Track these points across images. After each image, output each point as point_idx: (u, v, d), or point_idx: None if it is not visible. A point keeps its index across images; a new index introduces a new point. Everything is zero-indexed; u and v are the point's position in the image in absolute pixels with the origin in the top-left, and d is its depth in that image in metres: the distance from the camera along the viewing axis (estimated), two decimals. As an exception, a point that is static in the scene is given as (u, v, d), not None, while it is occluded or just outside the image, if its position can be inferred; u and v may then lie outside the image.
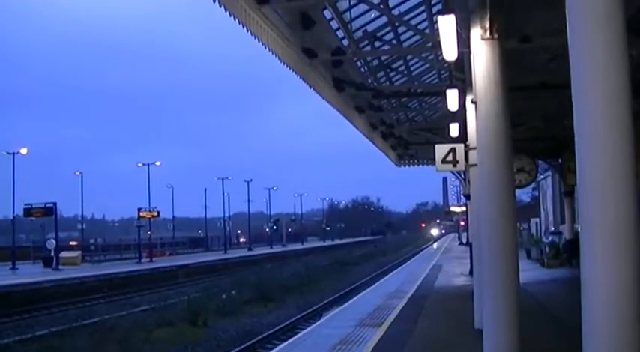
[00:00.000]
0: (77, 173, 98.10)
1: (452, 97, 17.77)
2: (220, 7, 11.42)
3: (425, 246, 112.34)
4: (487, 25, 10.68)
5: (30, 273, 52.37)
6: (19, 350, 22.77)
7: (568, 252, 37.66)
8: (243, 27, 12.54)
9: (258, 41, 13.47)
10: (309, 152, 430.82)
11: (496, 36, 10.66)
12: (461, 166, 18.67)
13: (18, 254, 64.49)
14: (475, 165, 14.59)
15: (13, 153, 68.11)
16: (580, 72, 5.34)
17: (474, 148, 15.37)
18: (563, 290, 27.65)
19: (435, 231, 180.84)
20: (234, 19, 12.17)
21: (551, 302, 23.75)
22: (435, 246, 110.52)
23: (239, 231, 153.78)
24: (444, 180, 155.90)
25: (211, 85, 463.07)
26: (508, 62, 10.89)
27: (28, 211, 63.84)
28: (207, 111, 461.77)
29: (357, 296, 30.89)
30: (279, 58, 15.00)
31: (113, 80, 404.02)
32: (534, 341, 13.02)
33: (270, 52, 14.31)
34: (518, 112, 18.95)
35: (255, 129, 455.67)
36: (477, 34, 10.82)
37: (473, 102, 11.36)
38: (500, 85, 10.54)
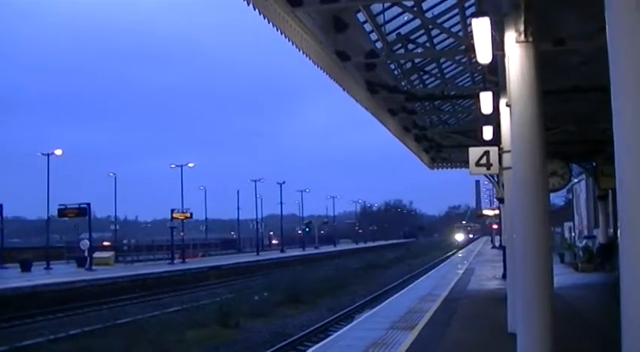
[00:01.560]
0: (110, 174, 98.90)
1: (485, 100, 17.69)
2: (254, 10, 11.44)
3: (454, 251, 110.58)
4: (521, 28, 10.64)
5: (63, 273, 52.72)
6: (53, 349, 22.88)
7: (602, 257, 37.42)
8: (277, 30, 12.55)
9: (292, 44, 13.48)
10: (341, 154, 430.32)
11: (530, 39, 10.61)
12: (494, 169, 18.59)
13: (52, 254, 64.89)
14: (509, 168, 14.52)
15: (48, 155, 68.55)
16: (619, 73, 5.29)
17: (508, 151, 15.28)
18: (598, 295, 27.49)
19: (460, 236, 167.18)
20: (269, 22, 12.18)
21: (585, 307, 23.62)
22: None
23: (271, 233, 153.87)
24: (477, 183, 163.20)
25: (242, 87, 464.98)
26: (542, 65, 10.83)
27: (62, 212, 64.18)
28: (239, 113, 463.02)
29: (389, 299, 30.83)
30: (312, 61, 15.00)
31: (143, 83, 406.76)
32: (569, 346, 12.94)
33: (304, 55, 14.31)
34: (551, 115, 18.87)
35: (287, 132, 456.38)
36: (511, 36, 10.78)
37: (507, 105, 11.31)
38: (534, 88, 10.49)
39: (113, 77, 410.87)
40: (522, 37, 10.60)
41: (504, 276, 30.58)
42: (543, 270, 10.37)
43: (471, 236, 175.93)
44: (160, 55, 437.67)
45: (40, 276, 48.78)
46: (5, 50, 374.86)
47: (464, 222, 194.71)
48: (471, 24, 12.78)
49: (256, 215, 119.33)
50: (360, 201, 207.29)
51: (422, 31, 18.63)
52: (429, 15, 17.52)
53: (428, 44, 19.48)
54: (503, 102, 17.40)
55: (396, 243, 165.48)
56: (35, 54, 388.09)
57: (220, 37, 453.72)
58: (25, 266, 56.17)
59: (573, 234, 55.16)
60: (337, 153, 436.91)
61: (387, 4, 16.05)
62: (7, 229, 78.62)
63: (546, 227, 10.70)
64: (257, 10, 11.55)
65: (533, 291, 10.29)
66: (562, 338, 10.60)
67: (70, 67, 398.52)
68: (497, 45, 11.80)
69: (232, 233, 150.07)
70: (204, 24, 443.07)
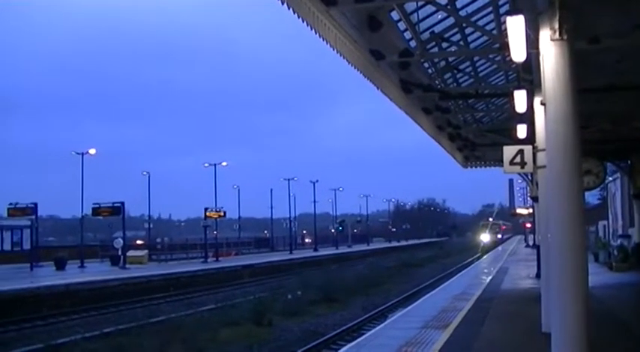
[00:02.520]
0: (144, 173, 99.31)
1: (520, 99, 17.61)
2: (289, 9, 11.46)
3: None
4: (556, 26, 10.57)
5: (98, 271, 53.06)
6: (87, 347, 23.04)
7: (637, 256, 37.19)
8: (311, 29, 12.54)
9: (327, 43, 13.47)
10: (374, 153, 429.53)
11: (565, 37, 10.54)
12: (528, 168, 18.55)
13: (86, 252, 65.24)
14: (543, 166, 14.46)
15: (82, 154, 69.01)
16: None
17: (543, 150, 15.23)
18: (633, 295, 27.34)
19: (486, 237, 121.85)
20: (303, 22, 12.19)
21: (620, 307, 23.49)
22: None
23: (304, 232, 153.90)
24: (510, 181, 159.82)
25: (274, 85, 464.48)
26: (577, 63, 10.78)
27: (96, 211, 64.51)
28: (272, 112, 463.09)
29: (422, 298, 30.78)
30: (347, 60, 14.99)
31: (177, 82, 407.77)
32: (603, 346, 12.86)
33: (339, 54, 14.31)
34: (585, 114, 18.78)
35: (319, 130, 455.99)
36: (545, 35, 10.71)
37: (542, 103, 11.26)
38: (569, 87, 10.43)
39: (146, 77, 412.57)
40: (557, 35, 10.53)
41: (538, 275, 30.44)
42: (578, 269, 10.32)
43: (499, 236, 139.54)
44: (194, 54, 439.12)
45: (74, 275, 49.08)
46: (37, 51, 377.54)
47: (490, 220, 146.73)
48: (505, 22, 12.73)
49: (289, 214, 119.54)
50: (393, 200, 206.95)
51: (456, 30, 18.59)
52: (462, 13, 17.47)
53: (462, 42, 19.44)
54: (537, 100, 17.34)
55: (429, 241, 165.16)
56: (67, 55, 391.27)
57: (252, 35, 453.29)
58: (60, 265, 56.53)
59: (608, 233, 54.80)
60: (371, 151, 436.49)
61: (420, 3, 16.02)
62: (42, 228, 79.42)
63: (581, 226, 10.64)
64: (291, 9, 11.56)
65: (568, 290, 10.24)
66: (596, 338, 10.54)
67: (103, 68, 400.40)
68: (532, 43, 11.75)
69: (265, 232, 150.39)
70: (236, 22, 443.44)
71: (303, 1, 11.94)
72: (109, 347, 22.08)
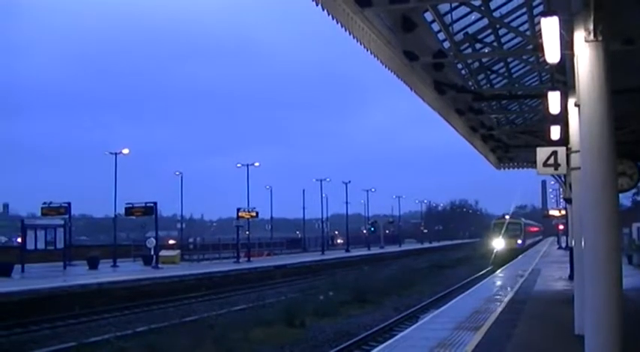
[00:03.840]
0: (177, 173, 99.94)
1: (553, 100, 17.55)
2: (323, 10, 11.47)
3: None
4: (591, 27, 10.53)
5: (130, 271, 53.39)
6: (119, 345, 23.18)
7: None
8: (345, 30, 12.56)
9: (360, 44, 13.48)
10: (406, 153, 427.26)
11: (600, 38, 10.50)
12: (562, 170, 18.49)
13: (119, 252, 65.64)
14: (577, 168, 14.40)
15: (115, 154, 69.46)
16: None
17: (577, 151, 15.17)
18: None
19: (499, 242, 79.61)
20: (337, 23, 12.20)
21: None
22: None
23: (336, 232, 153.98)
24: (543, 183, 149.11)
25: (306, 86, 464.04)
26: (611, 64, 10.73)
27: (129, 210, 64.90)
28: (301, 111, 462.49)
29: (454, 300, 30.73)
30: (381, 61, 15.00)
31: (208, 82, 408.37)
32: (638, 349, 12.78)
33: (372, 55, 14.32)
34: (620, 115, 18.68)
35: (350, 130, 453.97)
36: (580, 36, 10.67)
37: (576, 104, 11.24)
38: (604, 88, 10.39)
39: (172, 76, 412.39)
40: (592, 37, 10.49)
41: (571, 277, 30.31)
42: (612, 272, 10.28)
43: (519, 242, 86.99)
44: (216, 51, 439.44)
45: (106, 274, 49.40)
46: (63, 51, 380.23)
47: (507, 217, 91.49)
48: (539, 23, 12.69)
49: (321, 214, 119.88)
50: (425, 201, 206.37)
51: (489, 31, 18.53)
52: (496, 14, 17.42)
53: (495, 43, 19.37)
54: (571, 101, 17.28)
55: (462, 243, 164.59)
56: (93, 54, 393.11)
57: (280, 34, 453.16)
58: (93, 264, 56.89)
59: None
60: (403, 152, 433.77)
61: (454, 4, 15.99)
62: (75, 227, 79.87)
63: (616, 228, 10.59)
64: (325, 10, 11.57)
65: (602, 293, 10.20)
66: (630, 341, 10.49)
67: (127, 67, 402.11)
68: (566, 44, 11.71)
69: (297, 232, 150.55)
70: (263, 21, 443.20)
71: (338, 2, 11.96)
72: (141, 346, 22.20)
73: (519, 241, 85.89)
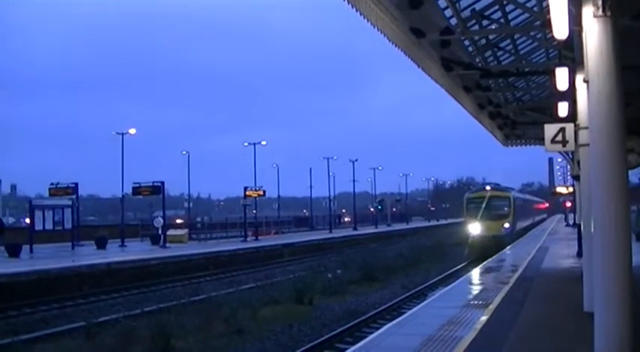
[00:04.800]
0: (184, 152, 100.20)
1: (561, 76, 17.48)
2: (329, -13, 11.44)
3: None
4: (599, 2, 10.44)
5: (138, 250, 53.41)
6: (129, 325, 23.20)
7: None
8: (352, 7, 12.52)
9: (368, 21, 13.44)
10: (413, 131, 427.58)
11: (609, 13, 10.42)
12: (570, 146, 18.42)
13: (126, 232, 65.69)
14: (586, 145, 14.35)
15: (122, 134, 69.49)
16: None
17: (585, 128, 15.10)
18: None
19: (475, 227, 54.62)
20: (344, 0, 12.16)
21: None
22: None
23: (343, 211, 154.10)
24: (550, 160, 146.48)
25: (312, 65, 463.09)
26: (620, 40, 10.65)
27: (137, 190, 64.92)
28: (308, 90, 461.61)
29: (462, 277, 30.73)
30: (387, 38, 14.96)
31: (214, 60, 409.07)
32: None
33: (379, 32, 14.27)
34: (629, 91, 18.57)
35: (359, 109, 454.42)
36: (588, 11, 10.59)
37: (585, 81, 11.15)
38: (612, 64, 10.31)
39: (184, 55, 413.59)
40: (600, 12, 10.40)
41: (579, 254, 30.28)
42: (621, 249, 10.23)
43: (506, 225, 56.95)
44: (231, 32, 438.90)
45: (115, 254, 49.54)
46: (77, 32, 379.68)
47: (488, 188, 59.25)
48: (546, -1, 12.60)
49: (329, 193, 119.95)
50: (432, 179, 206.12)
51: (496, 7, 18.44)
52: (503, -10, 17.36)
53: (502, 20, 19.29)
54: (579, 78, 17.20)
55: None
56: (104, 32, 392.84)
57: (290, 15, 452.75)
58: (101, 244, 56.98)
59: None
60: (410, 130, 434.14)
61: (461, -20, 15.94)
62: (82, 207, 80.00)
63: (625, 205, 10.53)
64: (331, -13, 11.54)
65: (611, 270, 10.16)
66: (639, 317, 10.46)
67: (141, 46, 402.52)
68: (574, 20, 11.63)
69: (305, 211, 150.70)
70: (276, 1, 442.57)
71: (344, -20, 11.91)
72: (151, 325, 22.22)
73: (506, 225, 56.52)
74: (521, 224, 68.40)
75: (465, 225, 56.96)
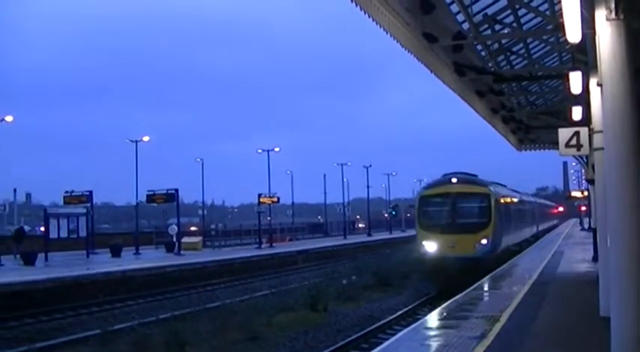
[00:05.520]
0: (197, 160, 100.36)
1: (575, 80, 17.44)
2: (341, -7, 11.43)
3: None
4: (612, 5, 10.42)
5: (153, 258, 53.47)
6: (143, 332, 23.19)
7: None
8: (364, 13, 12.52)
9: (380, 27, 13.44)
10: (427, 136, 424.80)
11: (622, 16, 10.40)
12: (585, 150, 18.37)
13: (141, 239, 65.82)
14: (600, 148, 14.30)
15: (136, 141, 69.68)
16: None
17: (599, 132, 15.05)
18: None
19: (431, 245, 36.14)
20: (356, 6, 12.16)
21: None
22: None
23: (357, 216, 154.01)
24: (564, 164, 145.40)
25: (323, 69, 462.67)
26: (633, 43, 10.62)
27: (151, 197, 65.03)
28: (320, 94, 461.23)
29: (477, 283, 30.62)
30: (400, 44, 14.97)
31: (222, 65, 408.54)
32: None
33: (392, 38, 14.27)
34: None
35: (371, 114, 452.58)
36: (601, 14, 10.57)
37: (598, 84, 11.12)
38: (626, 67, 10.29)
39: (197, 63, 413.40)
40: (613, 15, 10.38)
41: (595, 259, 30.17)
42: (638, 252, 10.20)
43: (484, 242, 36.10)
44: (242, 36, 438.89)
45: (129, 261, 49.59)
46: (89, 39, 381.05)
47: (454, 181, 37.26)
48: (559, 2, 12.59)
49: (343, 199, 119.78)
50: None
51: (509, 11, 18.44)
52: (516, -6, 17.35)
53: (515, 24, 19.29)
54: (593, 81, 17.14)
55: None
56: (120, 42, 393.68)
57: (300, 18, 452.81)
58: (115, 252, 57.08)
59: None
60: (423, 134, 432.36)
61: (473, -16, 15.94)
62: (97, 215, 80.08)
63: (640, 208, 10.50)
64: (344, -7, 11.54)
65: (628, 274, 10.12)
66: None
67: (155, 55, 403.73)
68: (587, 23, 11.60)
69: (319, 217, 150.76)
70: (285, 5, 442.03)
71: (356, -15, 11.91)
72: (166, 332, 22.21)
73: (483, 240, 36.67)
74: (514, 237, 46.62)
75: (417, 239, 38.28)
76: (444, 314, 20.69)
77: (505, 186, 48.87)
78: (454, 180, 37.48)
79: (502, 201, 41.14)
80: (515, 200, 49.92)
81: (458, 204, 37.17)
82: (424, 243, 36.60)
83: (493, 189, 38.92)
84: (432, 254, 35.88)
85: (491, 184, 40.22)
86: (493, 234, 36.78)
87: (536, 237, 66.88)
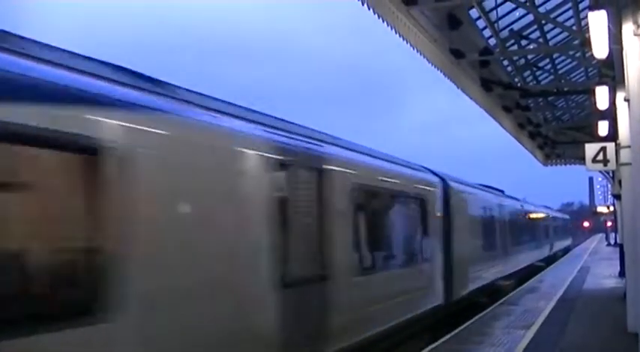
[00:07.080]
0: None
1: (601, 95, 17.41)
2: (369, 9, 11.47)
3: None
4: (639, 20, 10.42)
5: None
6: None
7: None
8: (391, 29, 12.54)
9: (407, 42, 13.47)
10: (450, 150, 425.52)
11: (649, 31, 10.39)
12: (612, 166, 18.36)
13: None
14: (628, 164, 14.29)
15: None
16: None
17: (627, 147, 15.04)
18: None
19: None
20: (383, 22, 12.20)
21: None
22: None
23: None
24: (590, 179, 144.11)
25: (344, 83, 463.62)
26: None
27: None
28: (342, 108, 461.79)
29: (503, 298, 30.51)
30: (427, 59, 14.99)
31: (244, 79, 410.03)
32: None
33: (419, 53, 14.29)
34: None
35: (392, 127, 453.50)
36: (628, 29, 10.56)
37: (625, 99, 11.11)
38: (654, 82, 10.27)
39: (216, 76, 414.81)
40: (640, 30, 10.38)
41: (621, 274, 29.98)
42: (666, 268, 10.18)
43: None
44: (264, 52, 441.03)
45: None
46: (101, 52, 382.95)
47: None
48: (585, 17, 12.62)
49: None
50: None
51: (535, 27, 18.48)
52: (542, 10, 17.38)
53: (541, 39, 19.31)
54: (620, 96, 17.13)
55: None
56: (135, 55, 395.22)
57: (322, 32, 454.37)
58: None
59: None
60: (447, 148, 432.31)
61: (499, 0, 15.98)
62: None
63: (669, 223, 10.46)
64: (372, 9, 11.57)
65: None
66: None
67: (171, 68, 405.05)
68: (614, 38, 11.60)
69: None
70: (307, 20, 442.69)
71: (384, 1, 11.96)
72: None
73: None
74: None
75: None
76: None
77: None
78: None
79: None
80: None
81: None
82: None
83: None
84: None
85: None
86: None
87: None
